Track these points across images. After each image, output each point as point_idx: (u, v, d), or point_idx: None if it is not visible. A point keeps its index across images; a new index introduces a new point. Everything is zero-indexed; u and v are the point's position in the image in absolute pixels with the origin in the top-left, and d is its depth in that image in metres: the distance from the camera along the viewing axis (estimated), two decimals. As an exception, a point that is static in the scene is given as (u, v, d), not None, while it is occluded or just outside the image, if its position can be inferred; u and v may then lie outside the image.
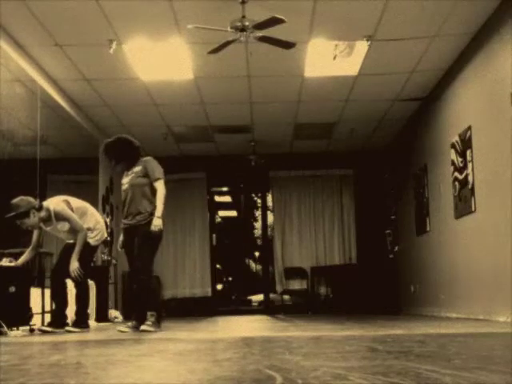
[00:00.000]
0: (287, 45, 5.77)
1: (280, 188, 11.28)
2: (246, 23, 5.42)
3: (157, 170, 5.23)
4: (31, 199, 5.24)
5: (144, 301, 5.11)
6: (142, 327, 4.89)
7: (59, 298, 5.40)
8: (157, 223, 5.03)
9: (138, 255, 5.06)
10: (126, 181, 5.27)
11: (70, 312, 5.56)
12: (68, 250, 5.40)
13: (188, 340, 3.77)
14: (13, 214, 5.11)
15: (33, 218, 5.18)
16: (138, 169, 5.23)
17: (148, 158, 5.36)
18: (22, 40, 6.34)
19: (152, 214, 5.10)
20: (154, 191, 5.18)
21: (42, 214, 5.26)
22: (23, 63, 6.54)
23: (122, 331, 4.96)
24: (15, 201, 5.16)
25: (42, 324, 5.54)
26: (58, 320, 5.33)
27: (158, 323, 4.99)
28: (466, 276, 6.89)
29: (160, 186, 5.17)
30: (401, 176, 10.02)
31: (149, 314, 4.99)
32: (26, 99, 6.68)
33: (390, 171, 10.64)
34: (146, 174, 5.19)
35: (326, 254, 11.06)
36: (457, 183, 7.02)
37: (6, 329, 4.70)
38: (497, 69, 5.88)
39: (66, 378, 1.86)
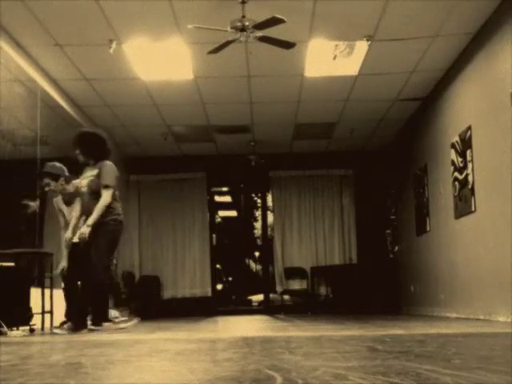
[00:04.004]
0: (287, 45, 5.76)
1: (280, 188, 11.27)
2: (246, 23, 5.42)
3: (110, 176, 5.19)
4: (65, 169, 5.65)
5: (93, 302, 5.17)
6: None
7: (76, 298, 5.47)
8: (83, 230, 5.04)
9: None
10: (84, 182, 5.28)
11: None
12: (77, 250, 5.42)
13: (188, 340, 3.77)
14: (48, 170, 5.54)
15: (58, 185, 5.54)
16: (95, 171, 5.22)
17: (107, 162, 5.31)
18: (22, 40, 6.33)
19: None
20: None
21: (68, 187, 5.55)
22: (23, 63, 6.54)
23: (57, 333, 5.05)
24: (53, 162, 5.65)
25: (42, 324, 5.54)
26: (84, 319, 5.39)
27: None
28: (465, 276, 6.89)
29: (105, 194, 5.12)
30: (401, 176, 10.02)
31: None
32: (26, 99, 6.68)
33: (390, 171, 10.64)
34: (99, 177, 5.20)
35: (326, 254, 11.05)
36: (457, 183, 7.02)
37: (6, 329, 4.70)
38: (497, 69, 5.88)
39: (66, 378, 1.86)
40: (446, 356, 2.32)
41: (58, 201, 5.69)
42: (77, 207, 5.47)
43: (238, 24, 5.43)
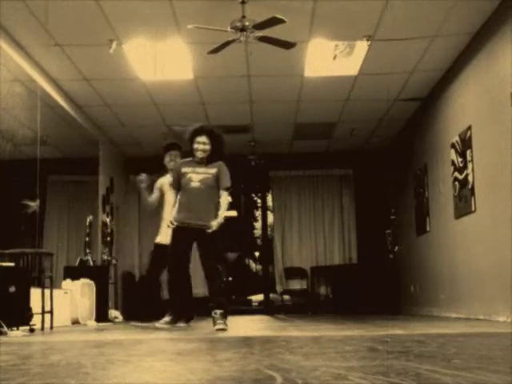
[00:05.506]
0: (287, 45, 5.76)
1: (280, 188, 11.27)
2: (246, 23, 5.42)
3: (229, 178, 5.37)
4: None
5: (218, 300, 5.37)
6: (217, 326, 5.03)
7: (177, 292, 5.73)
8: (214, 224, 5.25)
9: (212, 257, 5.45)
10: (197, 177, 5.27)
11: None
12: (160, 252, 5.57)
13: (188, 340, 3.77)
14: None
15: (174, 164, 5.55)
16: (213, 170, 5.30)
17: (222, 163, 5.43)
18: (22, 40, 6.33)
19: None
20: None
21: (168, 174, 5.66)
22: (23, 63, 6.54)
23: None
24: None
25: (42, 324, 5.53)
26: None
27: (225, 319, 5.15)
28: (465, 276, 6.89)
29: (226, 195, 5.34)
30: (401, 176, 10.02)
31: (218, 312, 5.22)
32: (25, 99, 6.68)
33: (390, 171, 10.64)
34: (218, 177, 5.29)
35: (326, 254, 11.05)
36: (457, 183, 7.02)
37: (6, 329, 4.70)
38: (497, 69, 5.88)
39: (66, 378, 1.86)
40: (446, 356, 2.32)
41: (165, 182, 5.75)
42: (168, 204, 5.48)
43: (238, 24, 5.43)
